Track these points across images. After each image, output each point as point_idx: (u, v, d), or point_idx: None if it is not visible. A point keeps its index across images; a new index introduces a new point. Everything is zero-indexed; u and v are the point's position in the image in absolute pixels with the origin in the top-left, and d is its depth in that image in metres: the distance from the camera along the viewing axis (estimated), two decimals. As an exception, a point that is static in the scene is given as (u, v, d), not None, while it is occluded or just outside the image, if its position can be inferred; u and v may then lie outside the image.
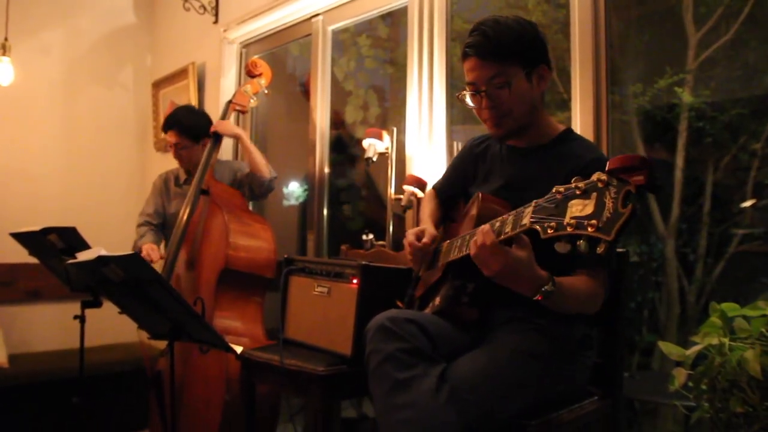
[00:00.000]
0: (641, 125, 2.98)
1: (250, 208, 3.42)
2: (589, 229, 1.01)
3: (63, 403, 2.44)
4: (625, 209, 0.98)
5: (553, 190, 1.12)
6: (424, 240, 1.63)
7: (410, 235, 1.66)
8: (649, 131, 3.02)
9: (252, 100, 2.81)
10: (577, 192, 1.07)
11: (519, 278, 1.26)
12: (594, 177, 1.05)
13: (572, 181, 1.09)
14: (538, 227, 1.12)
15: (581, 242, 1.03)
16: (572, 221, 1.05)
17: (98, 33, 4.05)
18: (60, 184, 3.83)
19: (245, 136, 2.76)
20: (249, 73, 2.85)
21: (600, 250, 1.01)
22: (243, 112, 2.85)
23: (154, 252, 2.67)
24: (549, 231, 1.08)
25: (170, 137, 2.80)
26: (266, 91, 2.90)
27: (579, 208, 1.05)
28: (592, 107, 2.12)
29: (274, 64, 3.94)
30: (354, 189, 4.04)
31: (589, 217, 1.03)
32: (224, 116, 2.77)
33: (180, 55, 3.90)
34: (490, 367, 1.36)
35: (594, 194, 1.04)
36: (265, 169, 2.68)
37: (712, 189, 2.82)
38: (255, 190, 2.73)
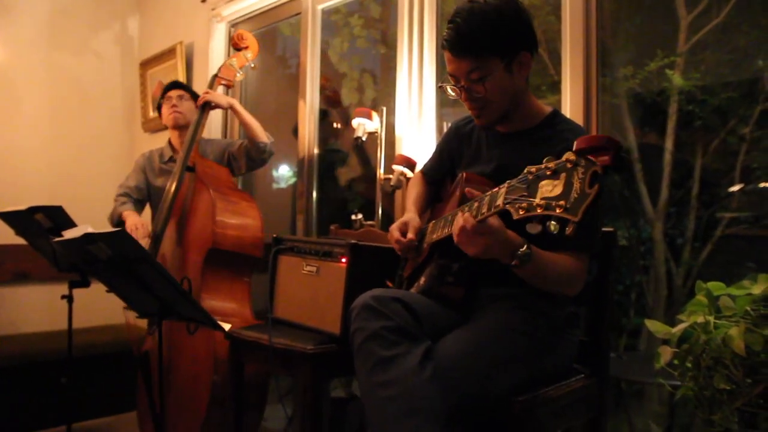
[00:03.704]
0: (631, 108, 2.98)
1: (239, 187, 3.42)
2: (557, 210, 1.02)
3: (52, 384, 2.43)
4: (591, 190, 0.99)
5: (525, 171, 1.12)
6: (409, 235, 1.64)
7: (394, 231, 1.67)
8: (639, 114, 3.02)
9: (238, 74, 2.77)
10: (548, 172, 1.07)
11: (496, 246, 1.28)
12: (564, 157, 1.05)
13: (544, 161, 1.09)
14: (510, 208, 1.12)
15: (552, 223, 1.03)
16: (542, 202, 1.05)
17: (85, 11, 3.99)
18: (46, 163, 3.79)
19: (238, 104, 2.71)
20: (235, 45, 2.80)
21: (569, 231, 1.01)
22: (229, 87, 2.80)
23: (141, 228, 2.60)
24: (520, 212, 1.09)
25: (174, 92, 2.84)
26: (253, 65, 2.86)
27: (549, 188, 1.05)
28: (582, 90, 2.12)
29: (265, 45, 3.90)
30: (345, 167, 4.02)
31: (557, 197, 1.03)
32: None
33: (168, 34, 3.85)
34: (475, 344, 1.37)
35: (563, 175, 1.04)
36: (263, 134, 2.67)
37: (701, 172, 2.82)
38: (255, 158, 2.71)
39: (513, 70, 1.48)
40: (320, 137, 3.21)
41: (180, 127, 2.83)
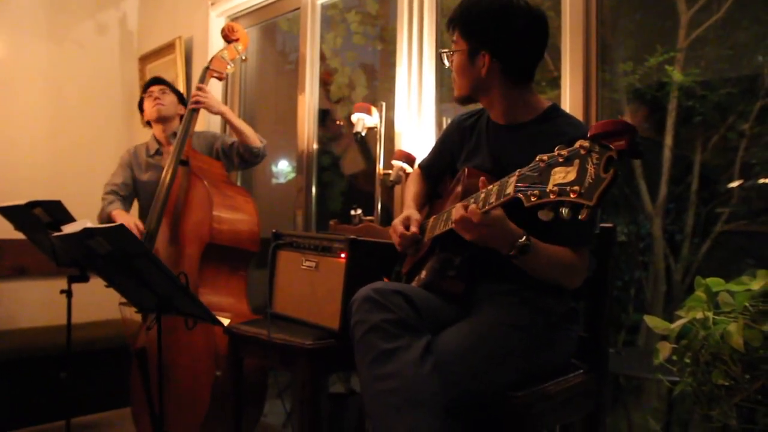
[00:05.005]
0: (631, 103, 2.97)
1: (239, 182, 3.42)
2: (572, 195, 1.02)
3: (50, 379, 2.43)
4: (607, 174, 0.99)
5: (537, 159, 1.13)
6: (412, 229, 1.65)
7: (398, 225, 1.67)
8: (638, 109, 3.01)
9: (229, 66, 2.77)
10: (560, 159, 1.07)
11: (495, 236, 1.29)
12: (577, 144, 1.05)
13: (555, 149, 1.09)
14: (521, 195, 1.13)
15: (564, 209, 1.04)
16: (555, 188, 1.05)
17: (83, 4, 3.97)
18: (44, 158, 3.77)
19: (229, 111, 2.73)
20: (225, 38, 2.80)
21: (582, 216, 1.01)
22: (220, 79, 2.81)
23: (134, 228, 2.56)
24: (532, 199, 1.09)
25: (155, 87, 2.86)
26: (244, 57, 2.86)
27: (562, 175, 1.06)
28: (581, 85, 2.12)
29: (266, 40, 3.89)
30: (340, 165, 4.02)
31: (571, 183, 1.03)
32: (201, 83, 2.72)
33: (167, 29, 3.84)
34: (475, 338, 1.37)
35: (576, 161, 1.04)
36: (255, 138, 2.67)
37: (700, 168, 2.82)
38: (248, 161, 2.72)
39: (475, 63, 1.54)
40: (320, 135, 3.21)
41: (163, 119, 2.83)
